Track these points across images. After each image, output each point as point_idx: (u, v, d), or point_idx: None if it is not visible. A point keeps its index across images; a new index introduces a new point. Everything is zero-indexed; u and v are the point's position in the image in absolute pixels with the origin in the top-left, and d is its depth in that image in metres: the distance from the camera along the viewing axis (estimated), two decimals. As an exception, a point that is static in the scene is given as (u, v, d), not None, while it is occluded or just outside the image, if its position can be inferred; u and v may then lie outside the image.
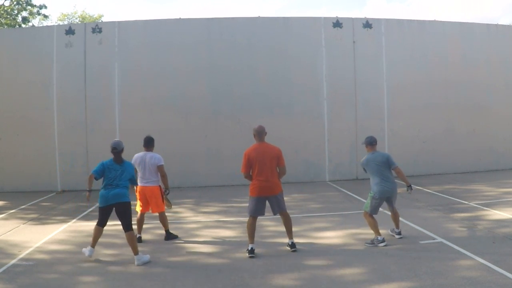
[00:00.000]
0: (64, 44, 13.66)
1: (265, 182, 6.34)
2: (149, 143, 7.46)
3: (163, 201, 7.36)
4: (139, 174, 7.28)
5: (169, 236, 7.39)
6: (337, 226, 7.90)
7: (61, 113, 13.59)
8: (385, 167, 6.92)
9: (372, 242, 6.65)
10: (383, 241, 6.60)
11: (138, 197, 7.35)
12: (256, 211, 6.45)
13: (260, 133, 6.61)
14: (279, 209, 6.47)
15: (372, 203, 6.84)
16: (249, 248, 6.29)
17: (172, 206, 7.97)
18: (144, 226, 8.27)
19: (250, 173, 6.50)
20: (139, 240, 7.21)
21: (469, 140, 14.87)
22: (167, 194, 7.43)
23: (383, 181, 6.86)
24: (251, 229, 6.41)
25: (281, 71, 13.98)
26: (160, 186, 7.36)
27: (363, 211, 7.02)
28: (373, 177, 6.90)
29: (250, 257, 6.19)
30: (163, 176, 7.33)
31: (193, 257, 6.37)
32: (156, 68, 13.75)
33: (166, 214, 7.51)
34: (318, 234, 7.41)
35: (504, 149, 15.11)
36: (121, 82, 13.68)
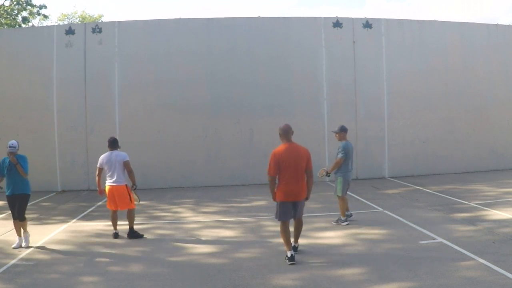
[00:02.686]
0: (64, 44, 13.65)
1: (293, 185, 5.92)
2: (113, 144, 7.59)
3: (130, 199, 7.49)
4: (107, 174, 7.42)
5: (133, 234, 7.47)
6: (337, 226, 7.90)
7: (61, 113, 13.58)
8: (352, 156, 8.20)
9: (337, 222, 7.96)
10: (345, 221, 7.90)
11: (107, 195, 7.51)
12: (287, 215, 6.06)
13: (286, 132, 6.06)
14: (297, 214, 6.18)
15: (344, 187, 7.98)
16: (289, 255, 5.89)
17: (140, 201, 7.94)
18: (144, 226, 8.30)
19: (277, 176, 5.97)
20: (116, 236, 7.45)
21: (469, 140, 14.86)
22: (135, 189, 7.56)
23: (351, 168, 8.16)
24: (286, 235, 5.99)
25: (281, 71, 13.97)
26: (126, 184, 7.49)
27: (337, 196, 8.04)
28: (347, 162, 7.98)
29: (291, 264, 5.80)
30: (130, 172, 7.48)
31: (193, 257, 6.37)
32: (156, 68, 13.74)
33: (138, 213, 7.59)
34: (318, 234, 7.41)
35: (504, 149, 15.10)
36: (121, 82, 13.68)
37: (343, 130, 8.11)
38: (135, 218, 7.79)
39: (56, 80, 13.62)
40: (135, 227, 7.62)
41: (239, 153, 13.71)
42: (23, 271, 5.87)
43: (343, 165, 7.96)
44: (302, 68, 14.07)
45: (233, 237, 7.46)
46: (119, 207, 7.50)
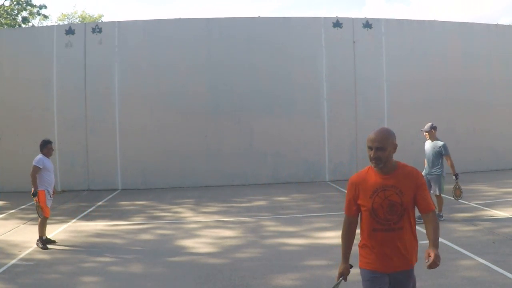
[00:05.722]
0: (64, 44, 13.64)
1: None
2: (40, 147, 7.37)
3: (36, 208, 7.01)
4: None
5: (41, 242, 6.99)
6: (337, 226, 7.88)
7: (61, 113, 13.58)
8: None
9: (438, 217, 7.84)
10: (442, 216, 7.89)
11: None
12: None
13: None
14: None
15: (444, 185, 8.08)
16: None
17: (40, 216, 7.06)
18: (144, 226, 8.28)
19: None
20: (43, 243, 6.92)
21: (469, 140, 14.84)
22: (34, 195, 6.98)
23: None
24: None
25: (281, 71, 13.96)
26: (32, 191, 6.98)
27: (439, 195, 7.99)
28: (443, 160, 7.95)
29: None
30: (30, 176, 7.05)
31: (193, 257, 6.37)
32: (156, 68, 13.74)
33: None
34: (318, 234, 7.40)
35: (504, 149, 15.09)
36: (121, 82, 13.67)
37: (432, 128, 8.32)
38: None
39: (56, 80, 13.61)
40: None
41: (239, 153, 13.70)
42: (23, 271, 5.86)
43: (442, 163, 8.12)
44: (302, 68, 14.07)
45: (233, 237, 7.45)
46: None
